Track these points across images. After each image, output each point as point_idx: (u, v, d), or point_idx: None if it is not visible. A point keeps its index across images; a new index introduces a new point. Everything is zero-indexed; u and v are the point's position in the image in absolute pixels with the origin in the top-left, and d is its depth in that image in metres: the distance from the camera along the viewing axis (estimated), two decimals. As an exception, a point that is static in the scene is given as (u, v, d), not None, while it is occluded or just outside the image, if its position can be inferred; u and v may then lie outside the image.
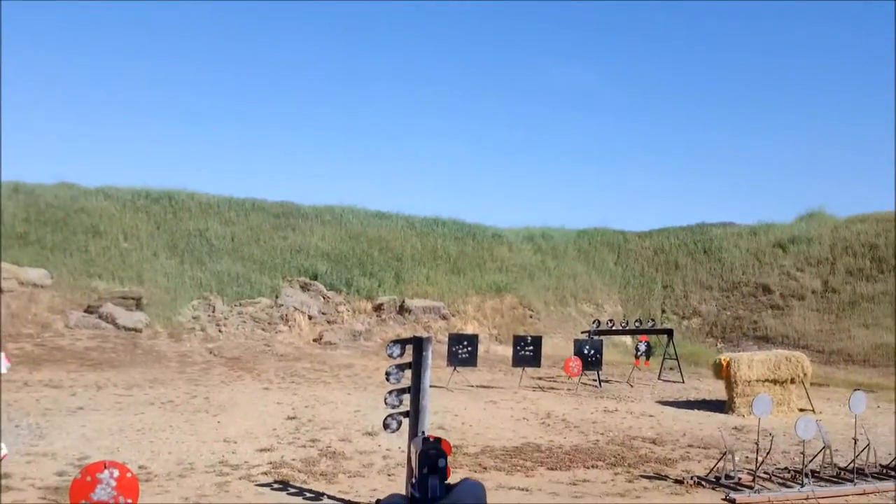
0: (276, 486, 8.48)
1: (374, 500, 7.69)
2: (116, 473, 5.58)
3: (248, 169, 68.95)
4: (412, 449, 6.03)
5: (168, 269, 24.58)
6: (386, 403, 7.76)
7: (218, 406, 13.17)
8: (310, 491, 8.35)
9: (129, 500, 5.60)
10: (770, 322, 27.19)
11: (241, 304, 23.87)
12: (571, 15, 79.53)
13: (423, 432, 7.09)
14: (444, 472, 5.10)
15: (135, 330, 21.26)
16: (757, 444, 9.48)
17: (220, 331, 22.61)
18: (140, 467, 8.80)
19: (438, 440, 5.33)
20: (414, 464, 5.41)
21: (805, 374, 15.27)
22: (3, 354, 7.03)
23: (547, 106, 78.13)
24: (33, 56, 65.86)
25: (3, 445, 5.88)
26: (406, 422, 7.72)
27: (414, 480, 5.29)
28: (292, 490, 8.36)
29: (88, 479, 5.53)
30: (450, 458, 5.65)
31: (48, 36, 67.28)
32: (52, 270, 22.49)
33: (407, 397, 7.71)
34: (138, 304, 22.27)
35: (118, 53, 69.18)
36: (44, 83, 67.60)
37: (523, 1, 76.44)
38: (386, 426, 7.80)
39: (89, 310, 21.59)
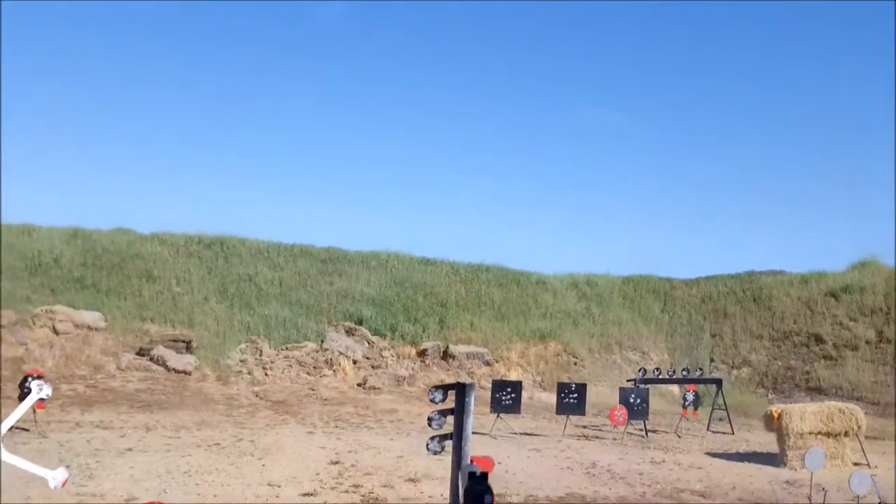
0: (318, 530, 8.53)
1: None
2: (165, 514, 5.73)
3: (296, 215, 70.26)
4: (459, 482, 5.98)
5: (218, 312, 25.06)
6: (428, 449, 7.78)
7: (263, 449, 13.31)
8: (352, 536, 8.37)
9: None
10: (823, 373, 26.47)
11: (287, 348, 24.15)
12: (614, 56, 80.00)
13: (469, 463, 7.03)
14: None
15: (184, 372, 21.63)
16: (809, 498, 9.26)
17: (266, 374, 22.88)
18: (186, 509, 8.94)
19: (485, 475, 5.26)
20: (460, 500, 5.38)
21: (859, 427, 14.84)
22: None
23: (592, 151, 78.14)
24: (92, 107, 68.54)
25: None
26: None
27: None
28: (335, 535, 8.40)
29: (138, 518, 5.68)
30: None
31: (103, 86, 70.05)
32: (107, 313, 23.09)
33: (449, 443, 7.71)
34: (188, 346, 22.72)
35: (169, 106, 71.66)
36: (102, 134, 70.17)
37: (564, 42, 77.23)
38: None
39: (141, 352, 22.07)
